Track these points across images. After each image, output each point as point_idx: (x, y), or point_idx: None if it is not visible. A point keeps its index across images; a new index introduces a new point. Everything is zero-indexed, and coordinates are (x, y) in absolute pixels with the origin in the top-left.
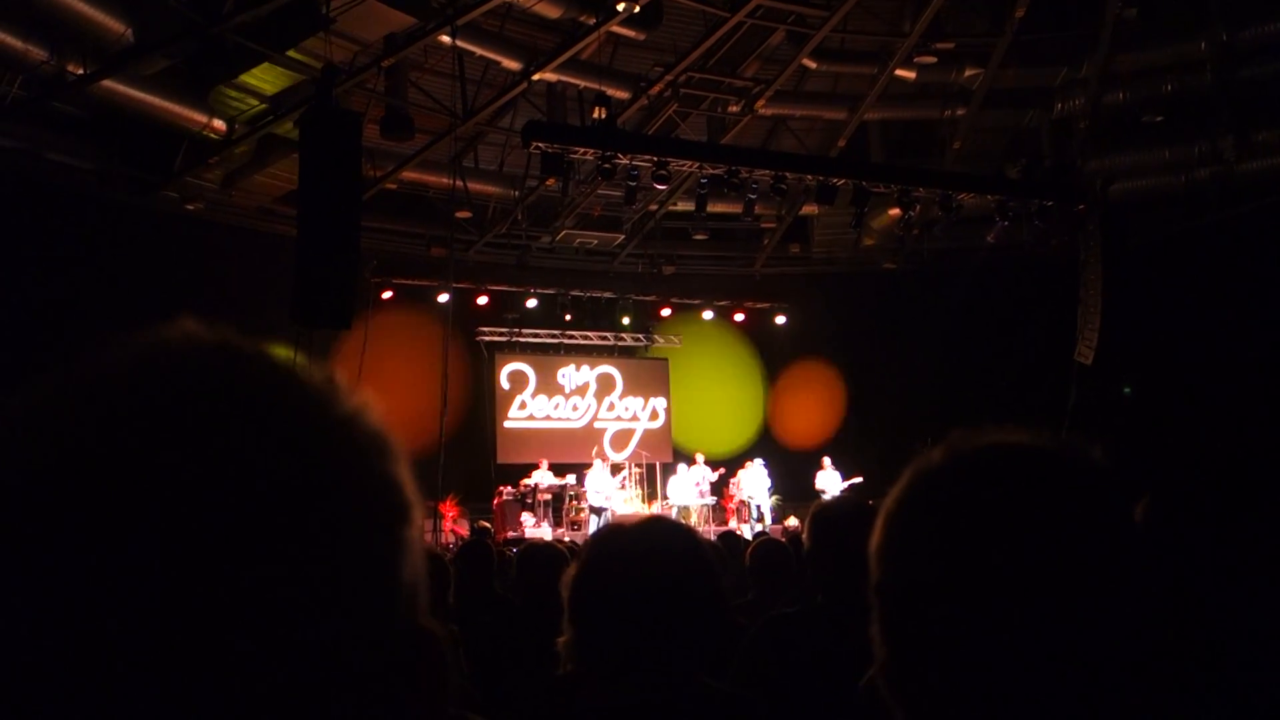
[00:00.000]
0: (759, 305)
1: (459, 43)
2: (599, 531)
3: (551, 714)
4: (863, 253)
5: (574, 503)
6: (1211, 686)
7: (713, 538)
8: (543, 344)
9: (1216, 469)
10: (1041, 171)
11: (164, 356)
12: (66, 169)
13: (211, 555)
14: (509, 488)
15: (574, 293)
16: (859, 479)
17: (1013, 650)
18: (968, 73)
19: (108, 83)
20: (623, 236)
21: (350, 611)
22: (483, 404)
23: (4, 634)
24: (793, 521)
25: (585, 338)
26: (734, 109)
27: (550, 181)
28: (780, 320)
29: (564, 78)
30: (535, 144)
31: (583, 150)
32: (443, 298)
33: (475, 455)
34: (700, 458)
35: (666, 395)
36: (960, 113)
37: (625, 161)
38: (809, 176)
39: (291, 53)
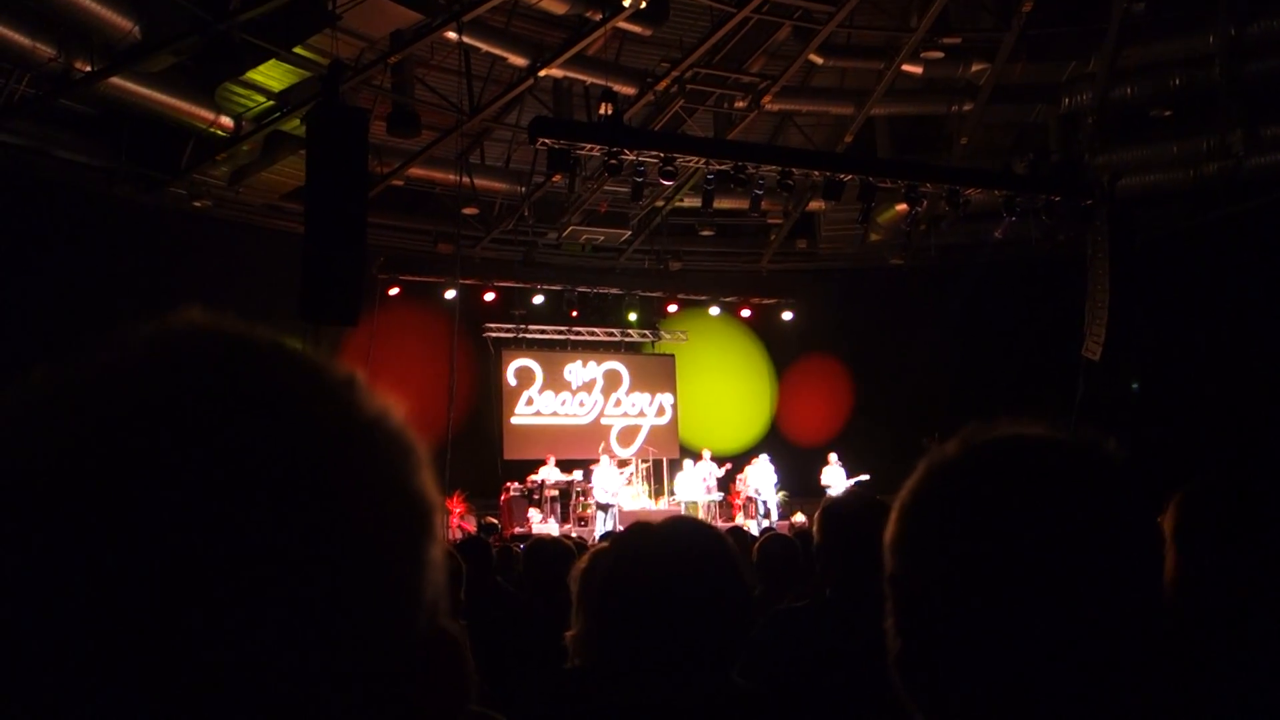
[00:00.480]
0: (765, 301)
1: (465, 39)
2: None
3: (571, 709)
4: (869, 248)
5: (581, 499)
6: (1235, 685)
7: None
8: (549, 340)
9: (1248, 469)
10: (1049, 167)
11: (173, 347)
12: (74, 166)
13: (212, 556)
14: (516, 484)
15: (580, 289)
16: (865, 476)
17: (1026, 642)
18: (975, 68)
19: (115, 80)
20: (629, 232)
21: (364, 627)
22: (489, 400)
23: (13, 629)
24: (799, 517)
25: (592, 334)
26: (740, 104)
27: (557, 177)
28: (787, 316)
29: (570, 74)
30: (542, 140)
31: (589, 146)
32: (449, 294)
33: (482, 451)
34: (707, 454)
35: (673, 391)
36: (967, 108)
37: (631, 157)
38: (815, 172)
39: (298, 50)
